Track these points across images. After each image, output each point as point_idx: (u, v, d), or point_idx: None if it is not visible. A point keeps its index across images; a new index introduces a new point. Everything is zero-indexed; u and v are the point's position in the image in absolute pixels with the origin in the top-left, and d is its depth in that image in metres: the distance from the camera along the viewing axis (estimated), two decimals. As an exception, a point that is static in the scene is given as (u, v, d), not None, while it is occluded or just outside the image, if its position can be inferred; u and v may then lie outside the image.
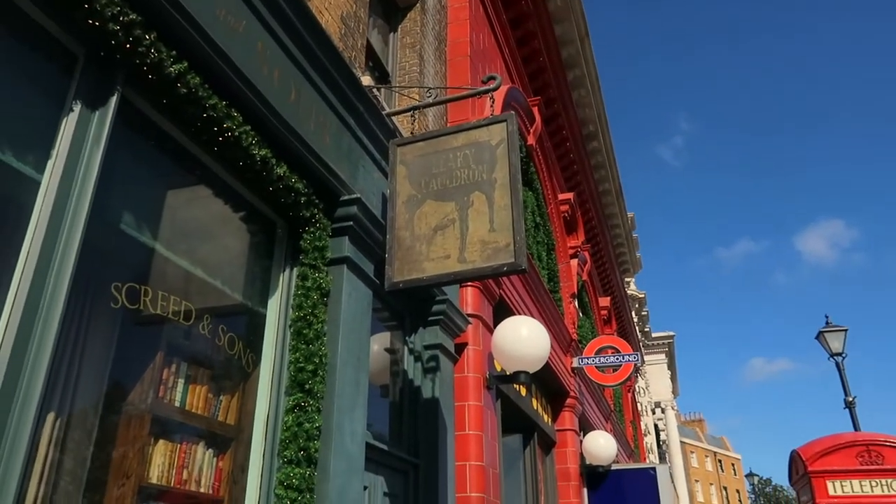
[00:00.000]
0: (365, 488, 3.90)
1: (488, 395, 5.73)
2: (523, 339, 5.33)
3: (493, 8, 8.45)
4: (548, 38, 9.81)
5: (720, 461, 69.89)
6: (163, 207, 2.95)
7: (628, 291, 28.89)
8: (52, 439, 2.35)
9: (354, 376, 3.64)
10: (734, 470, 70.24)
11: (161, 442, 2.89)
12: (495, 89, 4.12)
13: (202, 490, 3.05)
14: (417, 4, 6.45)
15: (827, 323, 10.36)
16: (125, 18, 2.39)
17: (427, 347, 4.98)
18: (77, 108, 2.38)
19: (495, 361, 6.05)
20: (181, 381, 3.03)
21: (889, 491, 5.52)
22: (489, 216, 3.70)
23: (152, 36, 2.52)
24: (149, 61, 2.53)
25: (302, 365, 3.29)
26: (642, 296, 31.50)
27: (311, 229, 3.60)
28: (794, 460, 6.21)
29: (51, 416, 2.33)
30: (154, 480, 2.81)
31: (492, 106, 4.08)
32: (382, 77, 5.91)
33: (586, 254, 13.13)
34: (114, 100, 2.49)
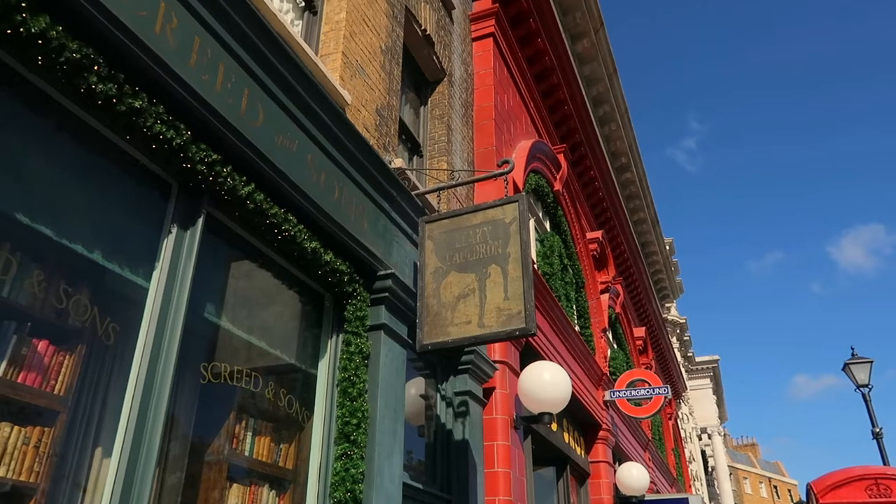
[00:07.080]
0: (403, 522, 4.51)
1: (516, 434, 6.28)
2: (546, 383, 5.91)
3: (518, 67, 9.14)
4: (572, 87, 10.42)
5: (775, 487, 67.89)
6: (236, 295, 3.67)
7: (669, 317, 28.95)
8: (155, 484, 3.04)
9: (392, 427, 4.27)
10: (791, 496, 68.04)
11: (235, 485, 3.56)
12: (509, 172, 4.76)
13: (268, 524, 3.71)
14: (445, 78, 7.16)
15: (853, 355, 10.60)
16: (209, 159, 3.12)
17: (457, 394, 5.59)
18: (174, 229, 3.11)
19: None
20: (249, 435, 3.72)
21: (894, 522, 5.87)
22: (504, 286, 4.32)
23: (228, 168, 3.24)
24: (226, 187, 3.25)
25: (348, 419, 3.95)
26: (683, 321, 31.43)
27: (354, 301, 4.27)
28: (809, 492, 6.58)
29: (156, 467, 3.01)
30: (230, 517, 3.48)
31: (506, 187, 4.72)
32: (414, 148, 6.62)
33: (619, 287, 13.56)
34: (201, 220, 3.21)
